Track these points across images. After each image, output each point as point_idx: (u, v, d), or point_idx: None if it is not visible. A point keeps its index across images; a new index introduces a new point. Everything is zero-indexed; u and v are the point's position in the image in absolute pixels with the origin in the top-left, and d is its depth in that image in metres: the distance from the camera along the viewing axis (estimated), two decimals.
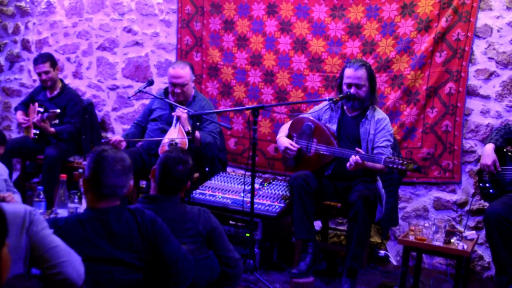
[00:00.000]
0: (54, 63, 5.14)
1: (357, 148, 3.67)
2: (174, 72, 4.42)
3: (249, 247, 3.83)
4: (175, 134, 4.24)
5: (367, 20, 4.58)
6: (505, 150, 3.87)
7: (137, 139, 4.63)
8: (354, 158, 3.57)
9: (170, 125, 4.46)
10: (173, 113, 4.35)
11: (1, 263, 1.40)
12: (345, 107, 4.03)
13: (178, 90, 4.43)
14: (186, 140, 4.12)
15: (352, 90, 3.88)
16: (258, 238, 4.03)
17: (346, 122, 4.02)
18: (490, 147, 3.86)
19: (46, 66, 5.08)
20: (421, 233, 3.35)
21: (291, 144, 4.01)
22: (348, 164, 3.61)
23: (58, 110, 4.80)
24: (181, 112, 4.27)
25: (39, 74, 5.13)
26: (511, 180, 3.75)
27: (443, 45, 4.37)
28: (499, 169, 3.79)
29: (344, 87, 3.93)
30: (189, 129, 4.16)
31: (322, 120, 4.07)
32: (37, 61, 5.10)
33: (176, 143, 4.11)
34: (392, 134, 3.95)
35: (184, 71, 4.42)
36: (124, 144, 4.42)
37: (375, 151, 3.83)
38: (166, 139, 4.23)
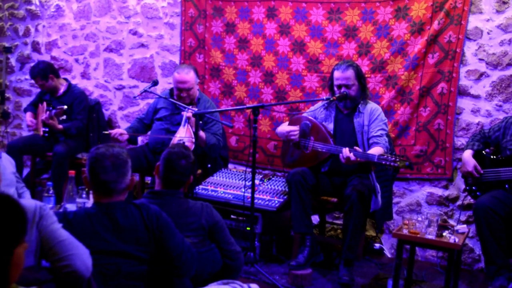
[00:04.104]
0: (44, 76, 5.06)
1: (355, 147, 3.66)
2: (179, 77, 4.40)
3: (249, 240, 3.83)
4: (184, 134, 4.23)
5: (362, 23, 4.57)
6: (483, 152, 3.85)
7: (140, 133, 4.62)
8: (346, 153, 3.57)
9: (174, 124, 4.46)
10: (183, 113, 4.34)
11: (15, 261, 1.39)
12: (339, 106, 4.03)
13: (184, 94, 4.42)
14: (194, 140, 4.11)
15: (343, 90, 3.89)
16: (258, 232, 4.03)
17: (341, 119, 4.02)
18: (468, 153, 3.86)
19: (38, 81, 5.11)
20: (414, 227, 3.35)
21: (292, 128, 4.01)
22: (341, 157, 3.62)
23: (65, 106, 4.79)
24: (190, 112, 4.24)
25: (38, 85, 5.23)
26: (494, 180, 3.74)
27: (435, 47, 4.36)
28: (482, 172, 3.77)
29: (335, 88, 3.94)
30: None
31: (318, 119, 4.07)
32: (30, 75, 5.18)
33: (184, 142, 4.09)
34: (386, 123, 3.94)
35: (189, 76, 4.40)
36: (126, 136, 4.41)
37: (370, 141, 3.83)
38: (176, 138, 4.21)
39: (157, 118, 4.61)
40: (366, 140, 3.85)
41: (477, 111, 4.34)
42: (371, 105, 3.95)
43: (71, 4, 5.94)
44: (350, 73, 3.89)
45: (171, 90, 4.62)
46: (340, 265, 3.70)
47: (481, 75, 4.30)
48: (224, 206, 4.10)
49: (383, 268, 4.20)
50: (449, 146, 4.39)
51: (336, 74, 3.94)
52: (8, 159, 3.77)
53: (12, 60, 6.39)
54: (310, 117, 4.06)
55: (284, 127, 4.11)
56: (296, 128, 4.01)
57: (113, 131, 4.41)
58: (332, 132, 3.97)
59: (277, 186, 4.29)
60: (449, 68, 4.33)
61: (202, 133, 4.26)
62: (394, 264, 3.44)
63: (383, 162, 3.46)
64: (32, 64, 6.10)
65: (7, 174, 3.57)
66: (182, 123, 4.30)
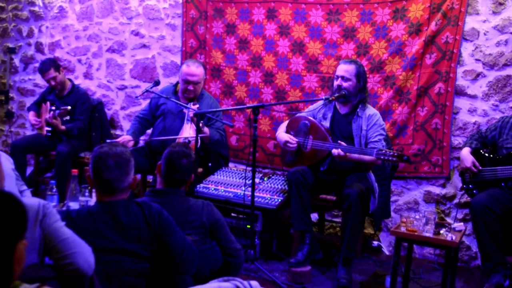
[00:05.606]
0: (57, 67, 5.07)
1: (339, 141, 3.70)
2: (189, 70, 4.38)
3: (249, 238, 3.83)
4: (188, 131, 4.22)
5: (361, 24, 4.57)
6: (481, 151, 3.86)
7: (160, 138, 4.55)
8: (335, 151, 3.66)
9: (177, 120, 4.43)
10: (184, 110, 4.32)
11: (17, 257, 1.39)
12: (336, 104, 4.04)
13: (191, 88, 4.41)
14: (199, 139, 4.09)
15: (338, 81, 3.90)
16: (258, 230, 4.03)
17: (338, 120, 4.02)
18: (466, 150, 3.88)
19: (52, 73, 5.03)
20: (412, 225, 3.35)
21: (291, 138, 4.01)
22: (332, 153, 3.69)
23: (69, 107, 4.78)
24: (195, 109, 4.21)
25: (47, 81, 5.11)
26: (491, 179, 3.74)
27: (432, 48, 4.36)
28: (480, 168, 3.78)
29: (334, 81, 3.96)
30: (200, 125, 4.13)
31: (316, 118, 4.07)
32: (42, 70, 5.07)
33: (190, 141, 4.07)
34: (384, 128, 3.94)
35: (198, 70, 4.40)
36: (132, 142, 4.38)
37: (368, 146, 3.83)
38: (181, 138, 4.19)
39: (159, 115, 4.58)
40: (364, 144, 3.86)
41: (473, 111, 4.33)
42: (370, 110, 3.95)
43: (74, 6, 5.94)
44: (350, 67, 3.92)
45: (175, 85, 4.60)
46: (339, 265, 3.69)
47: (477, 75, 4.29)
48: (225, 204, 4.10)
49: (381, 265, 4.20)
50: (446, 145, 4.39)
51: (339, 66, 4.00)
52: (7, 156, 3.73)
53: (16, 61, 6.39)
54: (308, 117, 4.06)
55: (283, 135, 4.10)
56: (294, 141, 4.00)
57: (121, 140, 4.32)
58: (329, 130, 3.97)
59: (277, 185, 4.28)
60: (446, 68, 4.33)
61: (206, 129, 4.26)
62: (392, 261, 3.44)
63: (382, 157, 3.48)
64: (36, 65, 6.12)
65: (8, 171, 3.54)
66: (185, 119, 4.29)
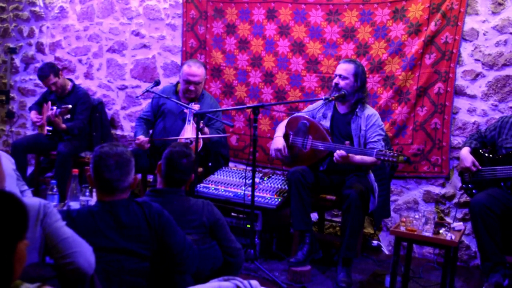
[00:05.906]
0: (56, 72, 5.04)
1: (346, 142, 3.68)
2: (191, 70, 4.38)
3: (250, 238, 3.83)
4: (190, 131, 4.22)
5: (361, 24, 4.57)
6: (481, 151, 3.86)
7: (163, 138, 4.54)
8: (338, 152, 3.62)
9: (178, 120, 4.43)
10: (185, 110, 4.32)
11: (18, 256, 1.40)
12: (336, 103, 4.04)
13: (192, 88, 4.41)
14: (201, 140, 4.09)
15: (336, 79, 3.91)
16: (258, 229, 4.03)
17: (338, 119, 4.02)
18: (466, 150, 3.88)
19: (51, 79, 5.01)
20: (412, 224, 3.35)
21: (284, 148, 4.00)
22: (334, 159, 3.65)
23: (70, 106, 4.79)
24: (195, 109, 4.21)
25: (48, 87, 5.10)
26: (491, 179, 3.74)
27: (432, 48, 4.36)
28: (480, 167, 3.78)
29: (334, 80, 3.97)
30: (201, 126, 4.13)
31: (316, 118, 4.07)
32: (41, 78, 5.04)
33: (192, 142, 4.07)
34: (383, 128, 3.95)
35: (199, 70, 4.40)
36: (148, 145, 4.38)
37: (367, 146, 3.83)
38: (182, 138, 4.19)
39: (159, 115, 4.58)
40: (363, 144, 3.86)
41: (473, 111, 4.33)
42: (369, 110, 3.94)
43: (75, 6, 5.94)
44: (349, 66, 3.92)
45: (176, 85, 4.60)
46: (339, 266, 3.69)
47: (477, 75, 4.30)
48: (225, 204, 4.10)
49: (381, 264, 4.20)
50: (445, 145, 4.39)
51: (339, 65, 4.01)
52: (8, 156, 3.73)
53: (17, 61, 6.39)
54: (307, 117, 4.06)
55: (278, 141, 4.07)
56: (285, 152, 4.00)
57: (140, 139, 4.37)
58: (329, 130, 3.97)
59: (277, 184, 4.28)
60: (445, 68, 4.33)
61: (206, 130, 4.26)
62: (391, 260, 3.44)
63: (382, 158, 3.47)
64: (36, 65, 6.11)
65: (8, 171, 3.54)
66: (187, 120, 4.29)
